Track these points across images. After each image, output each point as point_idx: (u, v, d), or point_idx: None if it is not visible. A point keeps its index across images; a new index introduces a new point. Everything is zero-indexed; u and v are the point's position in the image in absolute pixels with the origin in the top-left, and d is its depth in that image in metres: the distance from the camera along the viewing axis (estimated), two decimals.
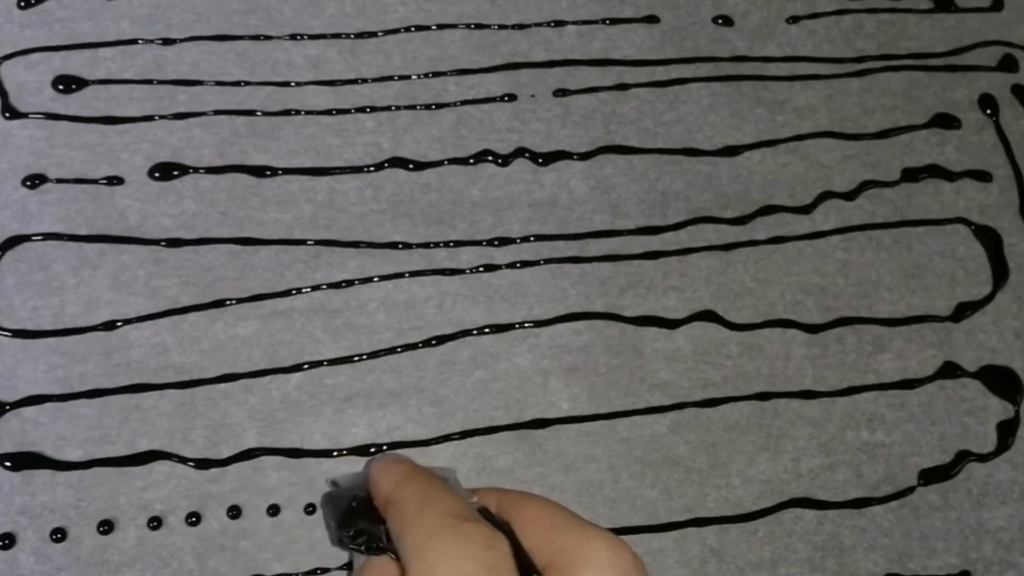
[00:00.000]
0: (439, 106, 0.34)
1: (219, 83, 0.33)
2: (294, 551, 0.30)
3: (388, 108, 0.34)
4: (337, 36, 0.34)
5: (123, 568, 0.29)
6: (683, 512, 0.31)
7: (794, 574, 0.31)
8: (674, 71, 0.35)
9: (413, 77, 0.34)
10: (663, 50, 0.36)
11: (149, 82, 0.33)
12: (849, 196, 0.35)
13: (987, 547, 0.32)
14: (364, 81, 0.34)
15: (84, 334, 0.31)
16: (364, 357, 0.31)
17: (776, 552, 0.31)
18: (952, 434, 0.33)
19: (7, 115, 0.32)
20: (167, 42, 0.34)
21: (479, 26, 0.35)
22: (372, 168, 0.33)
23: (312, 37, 0.34)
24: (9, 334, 0.31)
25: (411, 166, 0.33)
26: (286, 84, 0.34)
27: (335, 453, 0.30)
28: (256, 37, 0.34)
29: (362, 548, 0.25)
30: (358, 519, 0.25)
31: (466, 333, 0.32)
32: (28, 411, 0.30)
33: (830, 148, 0.35)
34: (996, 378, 0.33)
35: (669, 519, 0.31)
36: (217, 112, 0.33)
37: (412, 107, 0.34)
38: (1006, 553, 0.32)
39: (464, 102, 0.34)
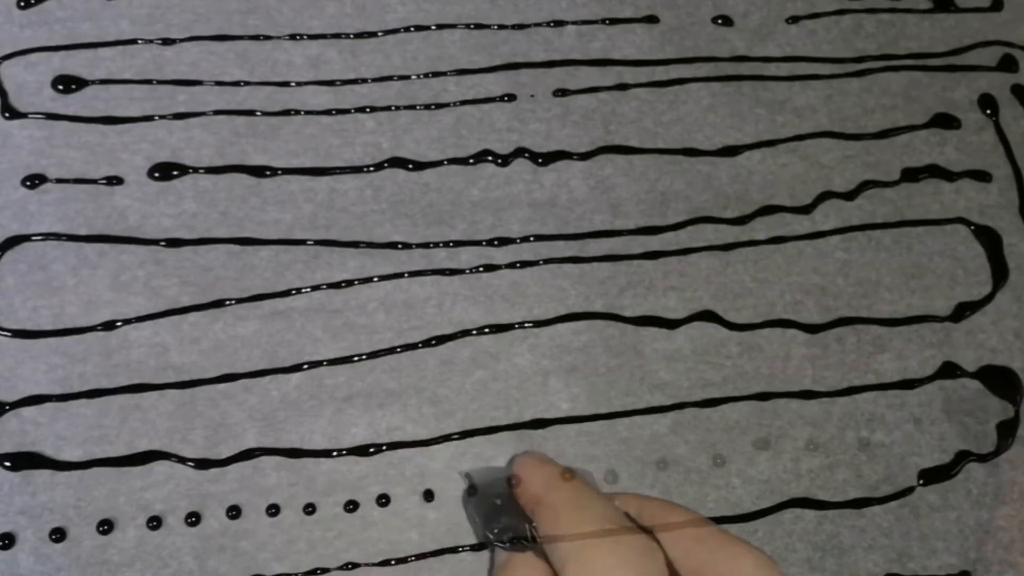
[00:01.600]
0: (439, 106, 0.34)
1: (219, 83, 0.33)
2: (294, 551, 0.30)
3: (388, 108, 0.34)
4: (337, 36, 0.34)
5: (123, 568, 0.29)
6: None
7: (793, 574, 0.31)
8: (674, 71, 0.35)
9: (413, 77, 0.34)
10: (663, 50, 0.36)
11: (149, 82, 0.33)
12: (849, 196, 0.35)
13: (987, 547, 0.32)
14: (364, 81, 0.34)
15: (84, 334, 0.31)
16: (364, 357, 0.31)
17: (775, 552, 0.31)
18: (952, 434, 0.33)
19: (7, 115, 0.32)
20: (167, 42, 0.34)
21: (479, 26, 0.35)
22: (372, 168, 0.33)
23: (312, 37, 0.34)
24: (9, 334, 0.31)
25: (411, 166, 0.33)
26: (286, 84, 0.34)
27: (335, 453, 0.30)
28: (256, 37, 0.34)
29: (507, 545, 0.26)
30: (503, 516, 0.26)
31: (466, 333, 0.32)
32: (28, 411, 0.30)
33: (830, 148, 0.35)
34: (996, 378, 0.33)
35: None
36: (217, 112, 0.33)
37: (412, 107, 0.34)
38: (1006, 553, 0.32)
39: (464, 102, 0.34)
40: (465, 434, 0.31)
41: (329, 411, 0.31)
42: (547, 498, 0.25)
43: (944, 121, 0.36)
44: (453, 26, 0.35)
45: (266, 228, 0.32)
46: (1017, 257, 0.35)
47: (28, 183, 0.32)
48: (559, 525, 0.24)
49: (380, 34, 0.35)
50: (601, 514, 0.24)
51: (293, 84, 0.34)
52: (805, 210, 0.35)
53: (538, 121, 0.34)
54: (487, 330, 0.32)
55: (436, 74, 0.35)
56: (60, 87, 0.33)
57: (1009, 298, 0.34)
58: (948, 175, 0.35)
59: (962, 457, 0.33)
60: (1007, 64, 0.37)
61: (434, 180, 0.33)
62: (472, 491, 0.28)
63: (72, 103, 0.33)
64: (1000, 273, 0.35)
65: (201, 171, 0.33)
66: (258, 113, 0.33)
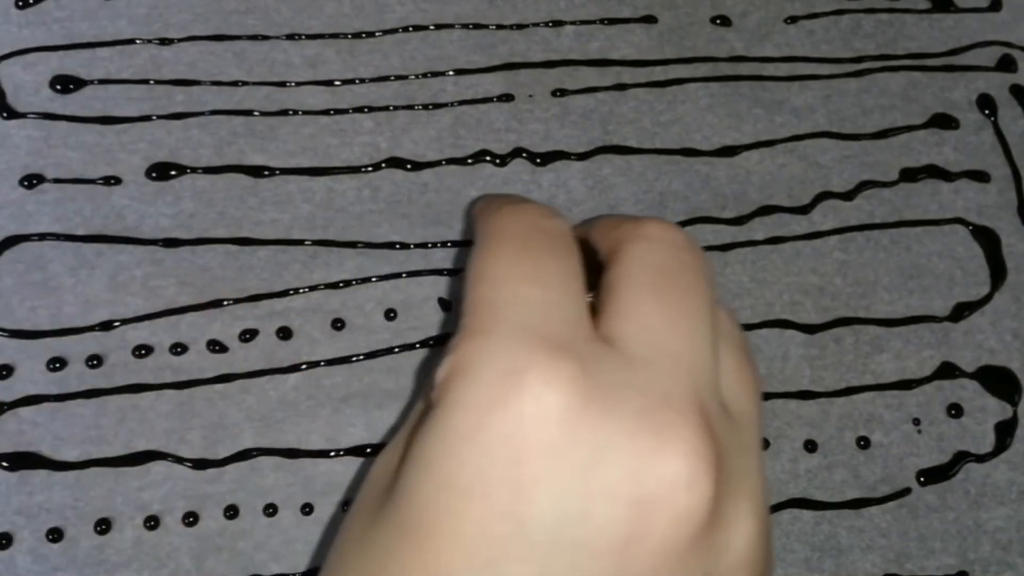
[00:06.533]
0: (437, 106, 0.34)
1: (216, 83, 0.33)
2: (291, 551, 0.30)
3: (386, 108, 0.34)
4: (335, 36, 0.34)
5: (120, 568, 0.29)
6: None
7: (791, 574, 0.31)
8: (672, 71, 0.35)
9: (411, 77, 0.34)
10: (661, 50, 0.36)
11: (146, 82, 0.33)
12: (847, 196, 0.35)
13: (985, 548, 0.32)
14: (362, 81, 0.34)
15: (82, 334, 0.31)
16: (361, 358, 0.31)
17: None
18: (950, 434, 0.33)
19: (4, 115, 0.32)
20: (165, 42, 0.34)
21: (477, 26, 0.35)
22: (370, 168, 0.33)
23: (310, 37, 0.34)
24: (7, 334, 0.31)
25: (409, 166, 0.33)
26: (284, 84, 0.34)
27: (332, 453, 0.30)
28: (254, 37, 0.34)
29: None
30: None
31: None
32: (25, 411, 0.30)
33: (828, 148, 0.35)
34: (994, 378, 0.33)
35: None
36: (214, 112, 0.33)
37: (410, 107, 0.34)
38: (1004, 554, 0.32)
39: (462, 102, 0.34)
40: None
41: (327, 411, 0.31)
42: (478, 215, 0.24)
43: (943, 121, 0.36)
44: (451, 26, 0.35)
45: (264, 228, 0.32)
46: (1016, 257, 0.35)
47: (26, 183, 0.32)
48: (475, 224, 0.24)
49: (378, 34, 0.35)
50: (514, 198, 0.23)
51: (291, 84, 0.34)
52: (803, 210, 0.34)
53: (536, 121, 0.34)
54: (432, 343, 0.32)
55: (434, 74, 0.34)
56: (58, 87, 0.33)
57: (1008, 298, 0.34)
58: (946, 175, 0.35)
59: (960, 458, 0.33)
60: (1006, 64, 0.37)
61: (432, 180, 0.33)
62: (447, 308, 0.28)
63: (70, 103, 0.33)
64: (998, 273, 0.35)
65: (199, 171, 0.33)
66: (256, 113, 0.33)
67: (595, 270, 0.23)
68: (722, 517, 0.19)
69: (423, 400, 0.23)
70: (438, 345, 0.32)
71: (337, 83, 0.34)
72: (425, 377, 0.24)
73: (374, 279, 0.32)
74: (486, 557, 0.18)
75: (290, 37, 0.34)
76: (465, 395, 0.19)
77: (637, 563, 0.18)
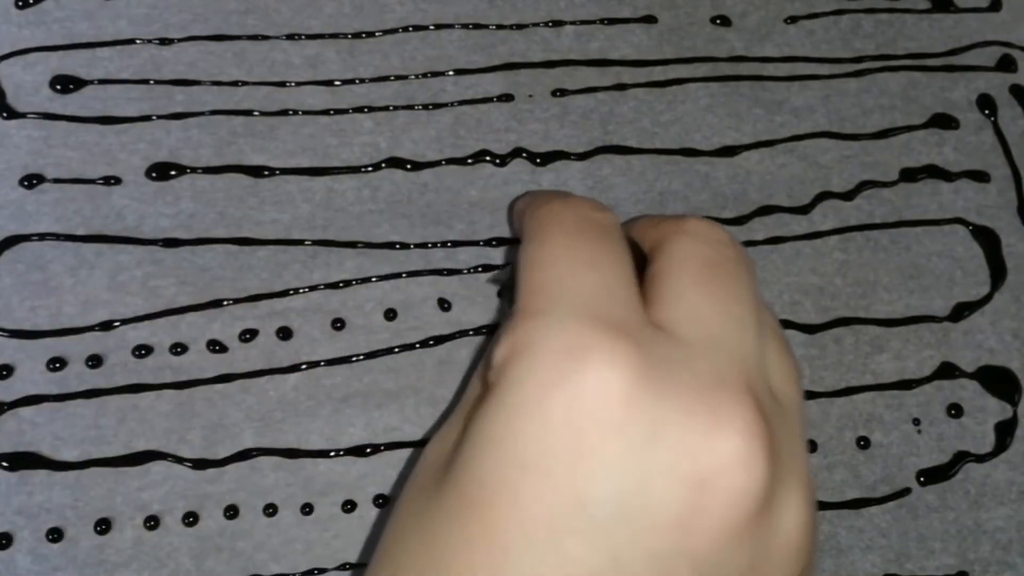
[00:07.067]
0: (437, 106, 0.34)
1: (216, 83, 0.33)
2: (291, 551, 0.30)
3: (386, 108, 0.34)
4: (335, 36, 0.34)
5: (120, 568, 0.29)
6: None
7: None
8: (672, 71, 0.35)
9: (411, 77, 0.34)
10: (661, 50, 0.36)
11: (146, 82, 0.33)
12: (847, 196, 0.35)
13: (985, 548, 0.32)
14: (362, 81, 0.34)
15: (82, 334, 0.31)
16: (361, 357, 0.31)
17: None
18: (950, 434, 0.33)
19: (4, 115, 0.32)
20: (164, 42, 0.34)
21: (477, 26, 0.35)
22: (370, 168, 0.33)
23: (310, 37, 0.34)
24: (7, 334, 0.31)
25: (409, 166, 0.33)
26: (283, 84, 0.34)
27: (332, 453, 0.30)
28: (254, 37, 0.34)
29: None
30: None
31: (463, 333, 0.32)
32: (25, 411, 0.30)
33: (828, 148, 0.35)
34: (994, 378, 0.33)
35: None
36: (214, 112, 0.33)
37: (410, 107, 0.34)
38: (1004, 554, 0.32)
39: (462, 102, 0.34)
40: None
41: (327, 411, 0.31)
42: (523, 208, 0.25)
43: (942, 121, 0.36)
44: (451, 26, 0.35)
45: (264, 228, 0.32)
46: (1015, 257, 0.35)
47: (26, 183, 0.32)
48: (524, 216, 0.25)
49: (378, 34, 0.35)
50: (561, 193, 0.24)
51: (291, 84, 0.34)
52: (803, 210, 0.34)
53: (536, 121, 0.34)
54: (485, 331, 0.32)
55: (434, 74, 0.34)
56: (58, 87, 0.33)
57: (1007, 298, 0.34)
58: (946, 175, 0.35)
59: (960, 458, 0.33)
60: (1006, 64, 0.37)
61: (432, 180, 0.33)
62: (501, 291, 0.28)
63: (70, 103, 0.33)
64: (998, 273, 0.35)
65: (199, 171, 0.33)
66: (256, 113, 0.33)
67: (638, 266, 0.23)
68: (775, 499, 0.20)
69: (479, 382, 0.23)
70: (439, 344, 0.32)
71: (337, 83, 0.34)
72: (479, 362, 0.25)
73: (374, 279, 0.32)
74: (547, 530, 0.19)
75: (290, 37, 0.34)
76: (526, 373, 0.20)
77: (694, 539, 0.19)
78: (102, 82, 0.33)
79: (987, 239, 0.35)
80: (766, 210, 0.34)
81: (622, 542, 0.19)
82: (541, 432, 0.19)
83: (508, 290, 0.28)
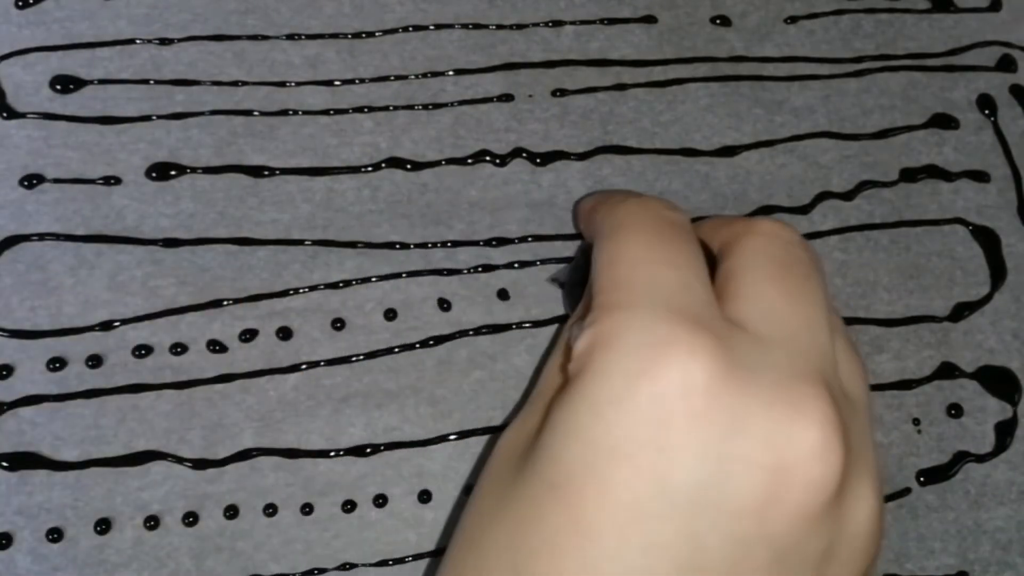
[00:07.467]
0: (437, 106, 0.34)
1: (216, 83, 0.33)
2: (291, 551, 0.30)
3: (386, 108, 0.34)
4: (335, 36, 0.34)
5: (120, 568, 0.29)
6: None
7: None
8: (672, 71, 0.35)
9: (411, 77, 0.34)
10: (661, 50, 0.36)
11: (147, 82, 0.33)
12: (847, 196, 0.35)
13: (985, 548, 0.32)
14: (362, 81, 0.34)
15: (81, 334, 0.31)
16: (361, 357, 0.31)
17: None
18: (950, 434, 0.33)
19: (4, 115, 0.32)
20: (164, 42, 0.34)
21: (477, 26, 0.35)
22: (370, 168, 0.33)
23: (310, 37, 0.34)
24: (7, 334, 0.31)
25: (409, 166, 0.33)
26: (283, 84, 0.34)
27: (332, 453, 0.30)
28: (254, 37, 0.34)
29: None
30: (583, 277, 0.26)
31: (463, 333, 0.32)
32: (25, 411, 0.30)
33: (828, 148, 0.35)
34: (994, 378, 0.33)
35: None
36: (214, 112, 0.33)
37: (410, 107, 0.34)
38: (1004, 554, 0.32)
39: (462, 102, 0.34)
40: (463, 435, 0.31)
41: (326, 411, 0.31)
42: (591, 208, 0.26)
43: (942, 121, 0.36)
44: (451, 26, 0.35)
45: (264, 228, 0.32)
46: (1015, 257, 0.35)
47: (26, 183, 0.32)
48: (596, 215, 0.26)
49: (378, 34, 0.35)
50: (633, 193, 0.25)
51: (291, 84, 0.34)
52: (803, 210, 0.34)
53: (536, 121, 0.34)
54: (485, 330, 0.32)
55: (434, 74, 0.34)
56: (58, 87, 0.33)
57: (1007, 298, 0.34)
58: (946, 175, 0.35)
59: (960, 458, 0.33)
60: (1006, 64, 0.37)
61: (432, 180, 0.33)
62: (563, 285, 0.29)
63: (70, 103, 0.33)
64: (998, 273, 0.35)
65: (199, 171, 0.33)
66: (256, 113, 0.33)
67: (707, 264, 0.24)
68: (848, 489, 0.21)
69: (558, 372, 0.24)
70: (439, 344, 0.32)
71: (337, 83, 0.34)
72: (550, 354, 0.26)
73: (374, 279, 0.32)
74: (632, 515, 0.20)
75: (290, 37, 0.34)
76: (611, 364, 0.21)
77: (772, 526, 0.20)
78: (102, 82, 0.33)
79: (987, 239, 0.35)
80: (766, 210, 0.34)
81: (703, 527, 0.20)
82: (627, 421, 0.20)
83: (570, 286, 0.29)
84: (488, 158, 0.34)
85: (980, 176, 0.36)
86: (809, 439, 0.20)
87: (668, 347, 0.20)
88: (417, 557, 0.30)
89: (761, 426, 0.20)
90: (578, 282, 0.28)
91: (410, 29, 0.35)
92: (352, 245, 0.32)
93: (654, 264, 0.22)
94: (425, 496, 0.30)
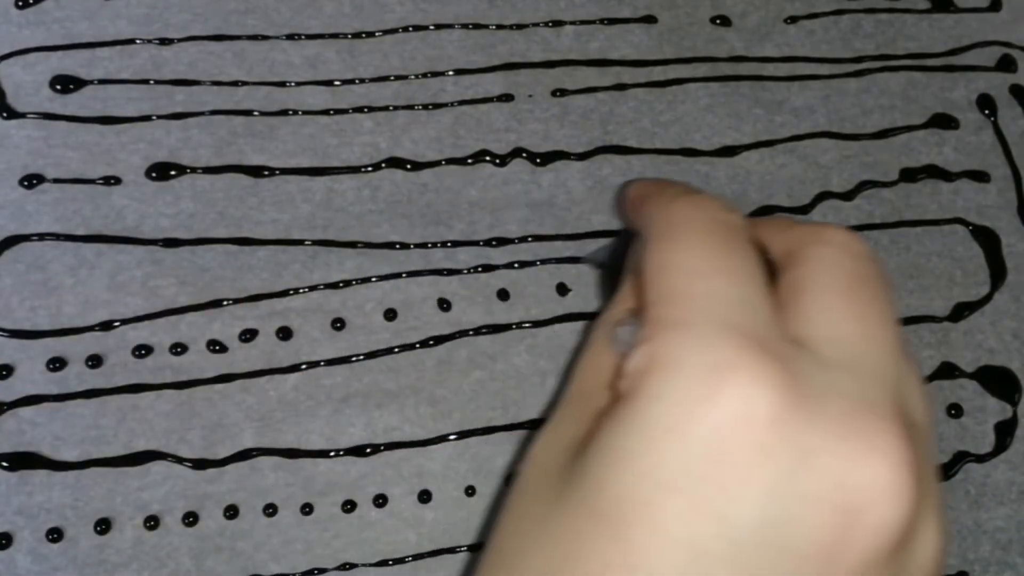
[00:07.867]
0: (437, 106, 0.34)
1: (216, 83, 0.33)
2: (291, 551, 0.30)
3: (386, 108, 0.34)
4: (335, 36, 0.34)
5: (120, 568, 0.29)
6: None
7: None
8: (672, 71, 0.35)
9: (411, 77, 0.34)
10: (661, 50, 0.36)
11: (146, 82, 0.33)
12: (847, 196, 0.35)
13: (985, 548, 0.32)
14: (362, 81, 0.34)
15: (81, 334, 0.31)
16: (361, 357, 0.31)
17: None
18: (950, 434, 0.33)
19: (4, 115, 0.32)
20: (164, 42, 0.34)
21: (477, 26, 0.35)
22: (370, 168, 0.33)
23: (310, 37, 0.34)
24: (7, 334, 0.31)
25: (409, 166, 0.33)
26: (283, 84, 0.34)
27: (332, 453, 0.30)
28: (254, 37, 0.34)
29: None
30: (626, 258, 0.25)
31: (463, 333, 0.32)
32: (25, 411, 0.30)
33: (828, 148, 0.35)
34: (994, 378, 0.33)
35: None
36: (214, 112, 0.33)
37: (410, 107, 0.34)
38: (1004, 554, 0.32)
39: (462, 102, 0.34)
40: (463, 435, 0.31)
41: (326, 411, 0.31)
42: (638, 195, 0.24)
43: (942, 121, 0.36)
44: (451, 26, 0.35)
45: (264, 228, 0.32)
46: (1015, 257, 0.35)
47: (26, 183, 0.32)
48: (644, 206, 0.24)
49: (378, 34, 0.35)
50: (685, 188, 0.23)
51: (291, 84, 0.34)
52: (803, 210, 0.35)
53: (536, 121, 0.34)
54: (485, 330, 0.32)
55: (434, 74, 0.34)
56: (58, 87, 0.33)
57: (1007, 298, 0.34)
58: (946, 175, 0.35)
59: (960, 458, 0.33)
60: (1006, 64, 0.37)
61: (432, 180, 0.33)
62: (601, 266, 0.29)
63: (70, 103, 0.33)
64: (998, 273, 0.35)
65: (199, 171, 0.33)
66: (256, 113, 0.33)
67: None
68: (916, 528, 0.19)
69: (608, 389, 0.22)
70: (439, 344, 0.32)
71: (337, 83, 0.34)
72: (583, 354, 0.24)
73: (374, 279, 0.32)
74: (690, 553, 0.18)
75: (290, 37, 0.34)
76: (667, 388, 0.19)
77: (837, 568, 0.18)
78: (102, 82, 0.33)
79: (987, 239, 0.35)
80: (766, 210, 0.34)
81: (764, 568, 0.18)
82: (683, 452, 0.19)
83: (608, 269, 0.28)
84: (488, 158, 0.34)
85: (980, 176, 0.36)
86: (882, 478, 0.18)
87: (729, 373, 0.19)
88: (417, 557, 0.30)
89: (830, 462, 0.18)
90: (616, 268, 0.26)
91: (410, 29, 0.35)
92: (352, 245, 0.32)
93: (711, 276, 0.20)
94: (425, 496, 0.30)
